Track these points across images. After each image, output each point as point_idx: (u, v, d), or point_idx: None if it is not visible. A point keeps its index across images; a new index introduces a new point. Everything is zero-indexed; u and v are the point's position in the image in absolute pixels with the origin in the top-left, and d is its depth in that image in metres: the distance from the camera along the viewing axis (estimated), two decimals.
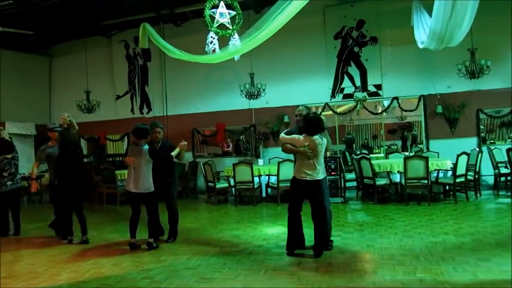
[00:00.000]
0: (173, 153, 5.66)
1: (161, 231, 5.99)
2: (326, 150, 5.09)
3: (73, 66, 13.11)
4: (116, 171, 9.96)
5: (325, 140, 4.88)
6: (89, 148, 13.42)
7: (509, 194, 8.49)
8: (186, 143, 5.76)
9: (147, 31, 7.61)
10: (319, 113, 10.15)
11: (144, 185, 5.46)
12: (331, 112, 10.64)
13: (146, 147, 5.50)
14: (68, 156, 5.84)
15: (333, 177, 8.50)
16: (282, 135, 5.08)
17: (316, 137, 4.78)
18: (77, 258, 5.28)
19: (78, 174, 5.90)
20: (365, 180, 8.54)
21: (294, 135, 4.92)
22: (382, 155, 11.23)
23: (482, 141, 9.78)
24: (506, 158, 8.75)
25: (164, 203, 5.89)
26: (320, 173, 4.82)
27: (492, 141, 10.11)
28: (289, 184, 8.72)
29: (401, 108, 10.55)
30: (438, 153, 9.55)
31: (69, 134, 5.95)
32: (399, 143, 12.87)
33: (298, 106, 5.51)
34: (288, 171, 8.79)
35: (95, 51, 12.82)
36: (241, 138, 11.96)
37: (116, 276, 4.45)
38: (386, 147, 11.75)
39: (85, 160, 12.91)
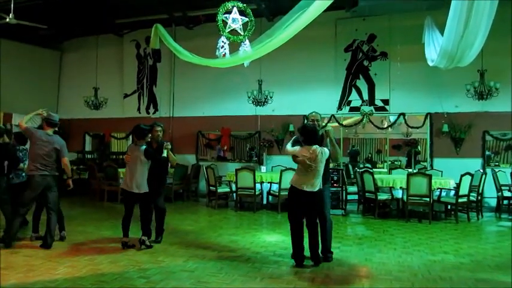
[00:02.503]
0: (164, 155, 5.68)
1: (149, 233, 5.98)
2: (328, 162, 5.05)
3: (83, 62, 13.19)
4: (119, 169, 9.98)
5: (326, 151, 4.84)
6: (93, 145, 13.48)
7: (511, 217, 8.44)
8: (168, 144, 5.81)
9: (159, 32, 7.66)
10: (325, 124, 10.18)
11: (138, 184, 5.49)
12: (337, 124, 10.63)
13: (143, 148, 5.53)
14: None
15: (334, 189, 8.48)
16: (287, 147, 5.09)
17: (315, 146, 4.78)
18: (74, 253, 5.29)
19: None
20: (367, 194, 8.52)
21: (295, 148, 4.93)
22: (385, 170, 11.19)
23: (487, 162, 9.73)
24: (510, 181, 8.70)
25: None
26: (319, 184, 4.81)
27: (497, 163, 10.06)
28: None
29: (407, 125, 10.51)
30: (442, 171, 9.51)
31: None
32: (403, 159, 12.82)
33: (311, 113, 5.42)
34: (289, 180, 8.80)
35: (106, 49, 12.92)
36: (250, 146, 11.92)
37: (112, 273, 4.45)
38: (390, 162, 11.71)
39: (88, 156, 12.99)
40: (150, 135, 5.73)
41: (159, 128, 5.92)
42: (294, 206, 4.95)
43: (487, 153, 9.87)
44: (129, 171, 5.58)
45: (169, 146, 5.80)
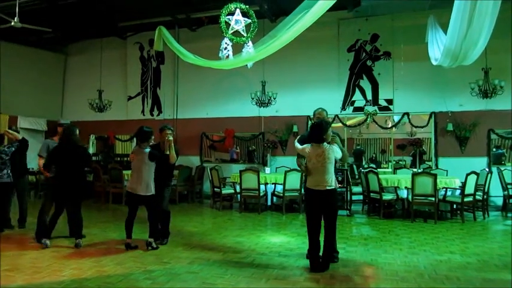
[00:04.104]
0: (166, 151, 5.63)
1: (156, 236, 5.99)
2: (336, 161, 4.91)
3: (88, 65, 13.28)
4: (123, 171, 10.03)
5: (335, 148, 4.74)
6: (97, 147, 13.54)
7: None
8: (170, 136, 5.71)
9: (162, 34, 7.69)
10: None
11: (143, 187, 5.50)
12: (340, 124, 10.62)
13: (147, 150, 5.54)
14: (71, 152, 5.75)
15: (339, 189, 8.45)
16: (296, 144, 5.01)
17: (324, 144, 4.70)
18: (79, 255, 5.31)
19: (81, 171, 5.83)
20: (372, 194, 8.49)
21: (304, 146, 4.86)
22: (390, 170, 11.15)
23: (498, 159, 9.67)
24: None
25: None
26: (333, 182, 4.69)
27: (502, 162, 10.01)
28: (295, 194, 8.81)
29: (411, 124, 10.48)
30: (447, 171, 9.47)
31: (74, 129, 5.88)
32: (408, 158, 12.78)
33: (318, 109, 5.37)
34: (294, 181, 8.82)
35: (110, 52, 12.98)
36: (253, 147, 11.96)
37: (118, 275, 4.46)
38: (394, 162, 11.67)
39: (93, 158, 13.04)
40: (153, 137, 5.74)
41: (169, 132, 5.90)
42: (311, 207, 4.79)
43: (500, 150, 9.82)
44: (134, 173, 5.59)
45: (171, 138, 5.69)
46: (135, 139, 12.23)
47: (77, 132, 5.89)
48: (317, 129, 4.77)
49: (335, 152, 4.74)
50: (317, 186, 4.68)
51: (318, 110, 5.39)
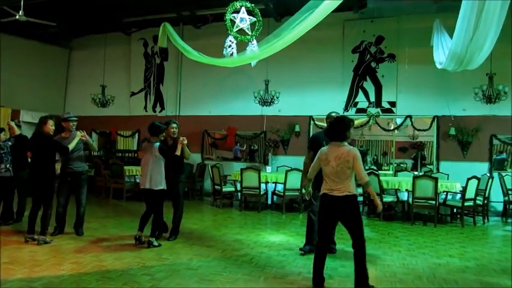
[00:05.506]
0: (177, 152, 5.64)
1: (164, 229, 6.03)
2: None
3: (91, 60, 13.28)
4: (125, 167, 10.04)
5: (357, 152, 4.00)
6: (99, 142, 13.54)
7: None
8: (185, 139, 5.70)
9: (167, 31, 7.70)
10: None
11: (151, 181, 5.50)
12: None
13: (157, 144, 5.54)
14: (38, 144, 5.70)
15: None
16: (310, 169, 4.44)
17: (346, 144, 4.06)
18: (79, 249, 5.32)
19: (46, 164, 5.66)
20: None
21: (315, 160, 4.28)
22: (391, 172, 11.14)
23: (500, 165, 9.65)
24: None
25: (170, 201, 5.97)
26: (352, 188, 4.00)
27: (504, 168, 9.98)
28: (295, 193, 8.80)
29: (414, 127, 10.47)
30: (448, 175, 9.45)
31: (45, 119, 5.79)
32: (409, 161, 12.76)
33: (331, 113, 5.34)
34: (295, 180, 8.81)
35: (114, 47, 12.99)
36: (255, 146, 11.95)
37: (116, 270, 4.47)
38: (395, 164, 11.66)
39: (95, 154, 13.06)
40: (164, 133, 5.74)
41: (174, 125, 5.92)
42: (327, 214, 4.13)
43: (502, 156, 9.79)
44: (143, 168, 5.60)
45: (186, 142, 5.70)
46: (137, 135, 12.49)
47: (51, 123, 5.77)
48: (339, 125, 4.11)
49: (358, 158, 3.96)
50: (334, 192, 4.00)
51: (331, 113, 5.32)
